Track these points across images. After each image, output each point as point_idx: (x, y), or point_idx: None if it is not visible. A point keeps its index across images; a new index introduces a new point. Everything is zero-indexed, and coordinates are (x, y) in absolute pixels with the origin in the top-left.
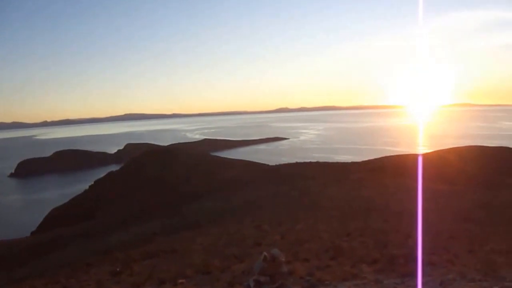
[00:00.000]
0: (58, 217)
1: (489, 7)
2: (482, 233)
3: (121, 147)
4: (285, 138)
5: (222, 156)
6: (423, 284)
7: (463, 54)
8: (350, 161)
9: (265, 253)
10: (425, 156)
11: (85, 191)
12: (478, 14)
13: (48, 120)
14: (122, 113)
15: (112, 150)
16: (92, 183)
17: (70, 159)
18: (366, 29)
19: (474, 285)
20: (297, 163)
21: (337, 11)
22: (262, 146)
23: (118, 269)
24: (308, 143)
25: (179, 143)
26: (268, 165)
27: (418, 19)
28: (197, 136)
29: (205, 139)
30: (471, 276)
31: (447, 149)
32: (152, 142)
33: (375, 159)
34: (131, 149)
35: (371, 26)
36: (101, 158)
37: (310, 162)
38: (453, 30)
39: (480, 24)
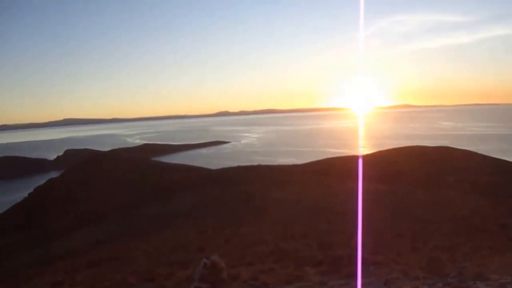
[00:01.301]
0: None
1: (428, 10)
2: (425, 231)
3: (61, 153)
4: (227, 142)
5: (163, 161)
6: (368, 284)
7: (403, 56)
8: (292, 163)
9: (205, 259)
10: (367, 157)
11: (25, 199)
12: (417, 17)
13: None
14: (61, 118)
15: (52, 156)
16: (32, 190)
17: (7, 167)
18: (306, 32)
19: (418, 283)
20: (239, 166)
21: (276, 14)
22: (204, 150)
23: (60, 279)
24: (250, 147)
25: (119, 148)
26: (210, 169)
27: (359, 22)
28: (138, 141)
29: (145, 144)
30: (415, 274)
31: (388, 149)
32: (93, 148)
33: (318, 161)
34: (71, 155)
35: (311, 29)
36: (41, 165)
37: (253, 165)
38: (394, 33)
39: (420, 27)
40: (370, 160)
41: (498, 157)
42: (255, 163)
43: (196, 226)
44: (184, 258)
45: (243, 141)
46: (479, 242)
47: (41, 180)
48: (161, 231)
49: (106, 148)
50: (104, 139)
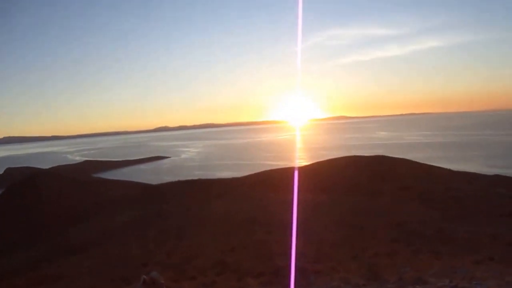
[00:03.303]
0: None
1: (361, 25)
2: (363, 239)
3: (1, 172)
4: (167, 157)
5: (104, 177)
6: None
7: (338, 69)
8: (231, 176)
9: (144, 276)
10: (304, 168)
11: None
12: (351, 31)
13: None
14: (1, 136)
15: None
16: None
17: None
18: (243, 46)
19: None
20: (179, 181)
21: (213, 27)
22: (143, 166)
23: None
24: (190, 161)
25: (60, 166)
26: (151, 184)
27: (297, 37)
28: (78, 158)
29: (86, 161)
30: (355, 281)
31: (325, 160)
32: (34, 165)
33: (256, 174)
34: (12, 173)
35: (248, 44)
36: None
37: (193, 180)
38: (329, 47)
39: (353, 41)
40: (308, 171)
41: (431, 164)
42: (194, 177)
43: (138, 241)
44: (127, 274)
45: (182, 156)
46: (417, 247)
47: None
48: (103, 247)
49: (47, 166)
50: (44, 156)
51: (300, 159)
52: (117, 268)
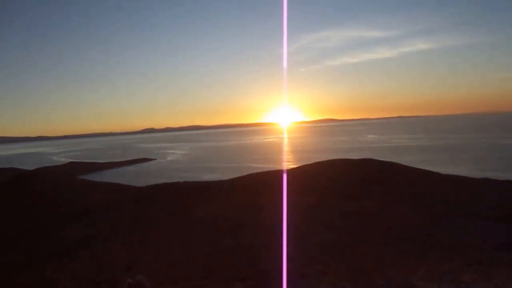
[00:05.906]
0: None
1: (350, 27)
2: (352, 242)
3: None
4: (153, 159)
5: (89, 179)
6: None
7: (327, 71)
8: (217, 179)
9: (129, 279)
10: (292, 171)
11: None
12: (340, 34)
13: None
14: None
15: None
16: None
17: None
18: (232, 47)
19: None
20: (165, 183)
21: (200, 30)
22: (129, 168)
23: None
24: (176, 163)
25: (45, 167)
26: (136, 186)
27: (283, 39)
28: (63, 159)
29: (71, 162)
30: (343, 284)
31: (313, 163)
32: (17, 167)
33: (243, 177)
34: None
35: (236, 46)
36: None
37: (178, 182)
38: (317, 49)
39: (343, 43)
40: (295, 174)
41: (420, 167)
42: (181, 180)
43: (124, 245)
44: (111, 277)
45: (168, 158)
46: (405, 250)
47: None
48: (88, 250)
49: (31, 167)
50: (29, 157)
51: (288, 162)
52: (101, 271)
